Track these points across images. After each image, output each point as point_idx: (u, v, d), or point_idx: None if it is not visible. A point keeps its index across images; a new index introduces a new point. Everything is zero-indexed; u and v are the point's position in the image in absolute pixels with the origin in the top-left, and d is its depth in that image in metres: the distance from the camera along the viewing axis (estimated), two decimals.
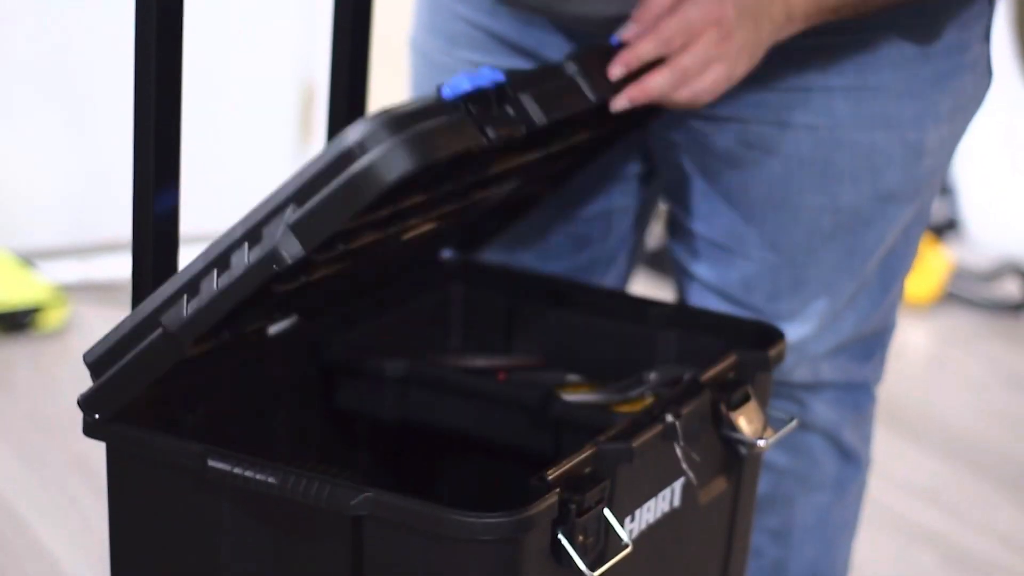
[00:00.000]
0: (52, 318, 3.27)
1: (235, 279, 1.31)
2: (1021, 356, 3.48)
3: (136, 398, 1.41)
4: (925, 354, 3.50)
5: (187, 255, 1.39)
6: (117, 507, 1.43)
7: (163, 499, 1.40)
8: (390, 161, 1.25)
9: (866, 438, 1.88)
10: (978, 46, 1.69)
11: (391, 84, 2.22)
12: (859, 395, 1.84)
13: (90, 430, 1.40)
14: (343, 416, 1.66)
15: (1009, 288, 3.70)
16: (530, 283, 1.77)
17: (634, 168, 1.83)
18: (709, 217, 1.74)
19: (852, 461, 1.86)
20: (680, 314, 1.70)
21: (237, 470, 1.33)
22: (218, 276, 1.32)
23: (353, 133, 1.26)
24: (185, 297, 1.34)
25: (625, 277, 1.93)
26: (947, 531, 2.71)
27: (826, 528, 1.87)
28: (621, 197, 1.84)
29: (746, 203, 1.71)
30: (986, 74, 1.73)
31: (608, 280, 1.89)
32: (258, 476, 1.32)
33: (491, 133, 1.36)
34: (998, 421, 3.15)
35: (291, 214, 1.28)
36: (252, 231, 1.30)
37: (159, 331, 1.35)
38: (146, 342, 1.36)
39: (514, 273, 1.79)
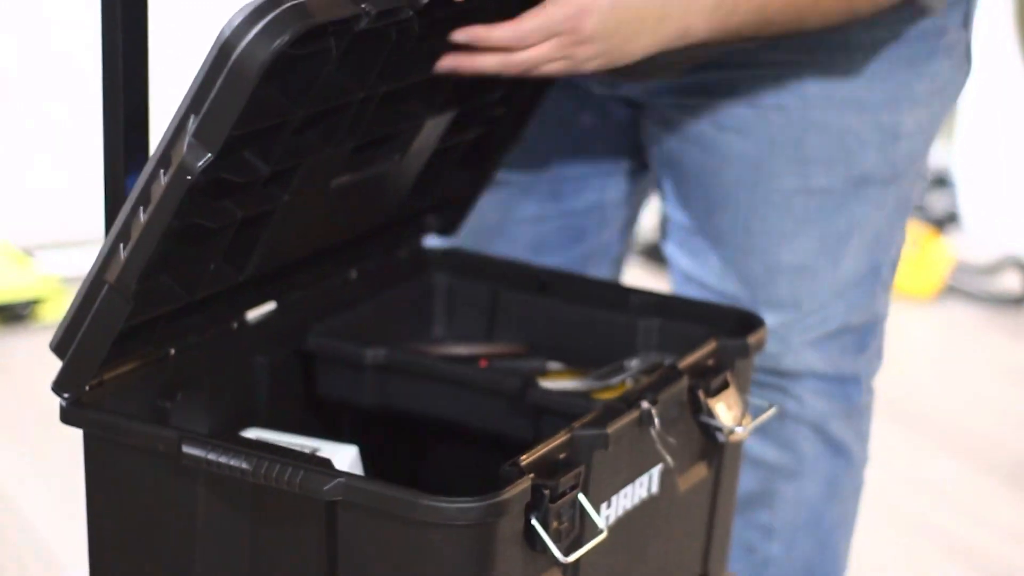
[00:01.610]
0: (51, 310, 3.28)
1: (155, 206, 1.30)
2: (1022, 349, 3.47)
3: (117, 384, 1.42)
4: (926, 348, 3.50)
5: None
6: (94, 493, 1.44)
7: (139, 485, 1.40)
8: (265, 36, 1.24)
9: (860, 433, 1.85)
10: (956, 32, 1.69)
11: None
12: (850, 387, 1.82)
13: (66, 417, 1.41)
14: (323, 403, 1.66)
15: (1010, 281, 3.69)
16: (513, 271, 1.77)
17: (625, 161, 1.83)
18: (686, 203, 1.74)
19: (842, 455, 1.83)
20: (662, 302, 1.70)
21: (211, 455, 1.33)
22: (143, 212, 1.31)
23: (228, 27, 1.25)
24: (121, 246, 1.33)
25: (619, 269, 1.93)
26: (948, 525, 2.70)
27: (819, 526, 1.85)
28: (615, 190, 1.84)
29: (719, 186, 1.70)
30: (965, 61, 1.72)
31: (603, 272, 1.89)
32: (232, 461, 1.32)
33: (368, 7, 1.31)
34: (999, 414, 3.15)
35: (192, 124, 1.27)
36: (162, 157, 1.29)
37: (105, 288, 1.34)
38: (96, 304, 1.35)
39: (497, 261, 1.79)
